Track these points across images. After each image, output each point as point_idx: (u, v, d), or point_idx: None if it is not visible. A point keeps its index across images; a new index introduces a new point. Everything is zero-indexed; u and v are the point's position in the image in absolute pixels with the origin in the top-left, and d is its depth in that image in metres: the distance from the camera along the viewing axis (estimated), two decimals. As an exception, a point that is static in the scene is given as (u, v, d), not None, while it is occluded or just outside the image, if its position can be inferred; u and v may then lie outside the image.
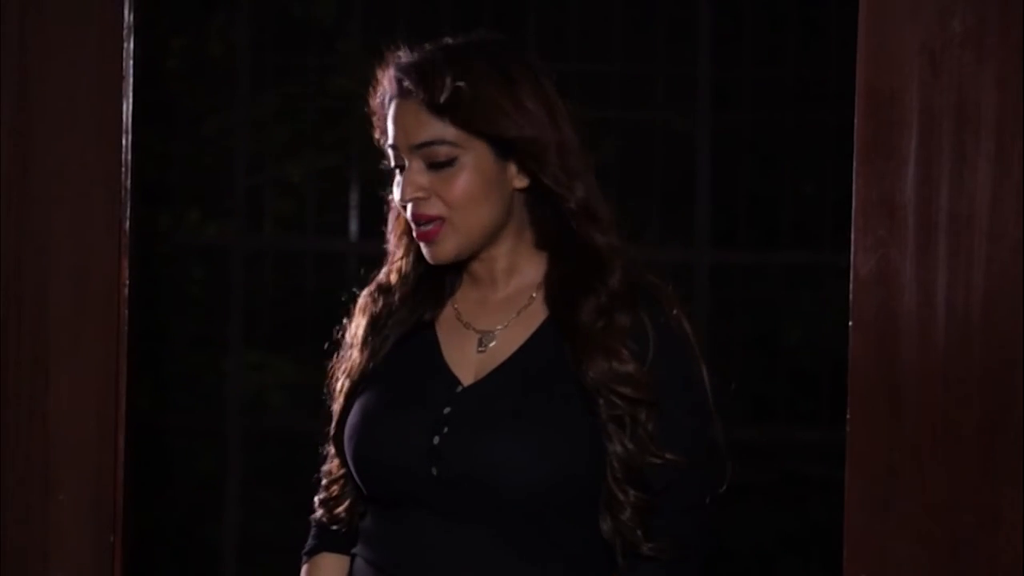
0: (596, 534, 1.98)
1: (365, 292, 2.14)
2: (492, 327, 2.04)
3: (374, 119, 2.08)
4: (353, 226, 5.11)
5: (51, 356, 2.47)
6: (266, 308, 5.25)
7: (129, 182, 2.49)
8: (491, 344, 2.03)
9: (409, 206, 2.01)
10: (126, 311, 2.49)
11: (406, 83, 1.99)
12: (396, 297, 2.10)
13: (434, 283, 2.09)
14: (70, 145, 2.48)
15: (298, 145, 5.24)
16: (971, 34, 2.36)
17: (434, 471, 1.95)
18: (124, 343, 2.48)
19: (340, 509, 2.11)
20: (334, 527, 2.12)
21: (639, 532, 1.96)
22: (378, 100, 2.06)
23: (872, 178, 2.38)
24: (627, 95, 5.06)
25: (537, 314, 2.03)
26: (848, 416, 2.39)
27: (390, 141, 2.02)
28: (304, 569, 2.16)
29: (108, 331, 2.48)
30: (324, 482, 2.14)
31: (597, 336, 1.96)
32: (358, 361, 2.09)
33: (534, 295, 2.04)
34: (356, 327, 2.12)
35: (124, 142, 2.49)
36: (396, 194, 2.04)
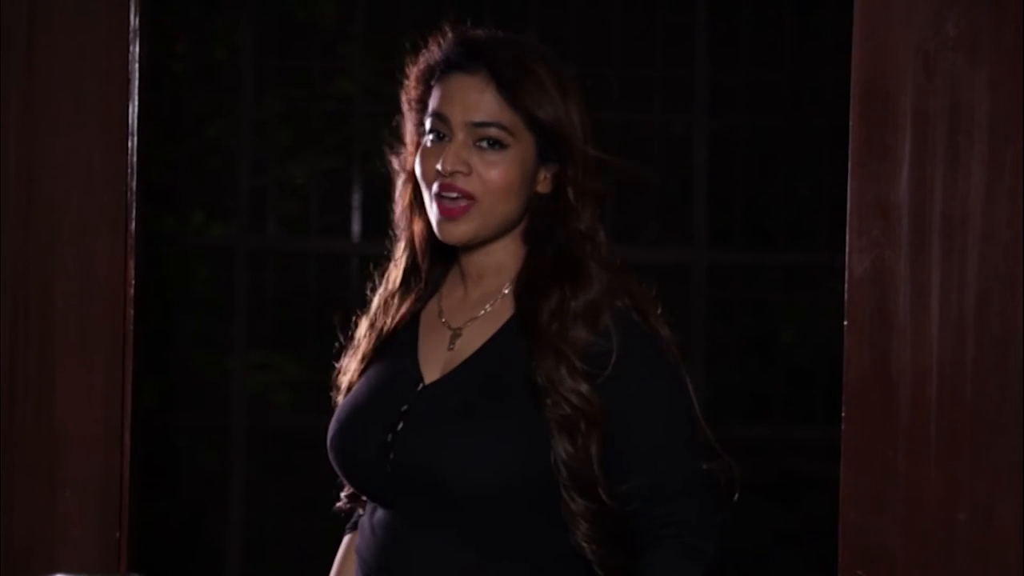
0: (560, 535, 1.97)
1: (374, 304, 2.15)
2: (463, 323, 2.06)
3: (410, 84, 2.06)
4: (355, 227, 5.13)
5: (58, 355, 2.49)
6: (269, 308, 5.26)
7: (135, 183, 2.50)
8: (459, 341, 2.04)
9: (439, 181, 1.99)
10: (132, 311, 2.50)
11: (476, 58, 2.00)
12: (393, 297, 2.12)
13: (422, 278, 2.11)
14: (76, 147, 2.49)
15: (301, 147, 5.25)
16: (964, 37, 2.38)
17: (388, 468, 1.97)
18: (130, 342, 2.49)
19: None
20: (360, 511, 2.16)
21: (592, 546, 1.95)
22: (424, 65, 2.05)
23: (867, 179, 2.40)
24: (625, 98, 5.07)
25: (504, 310, 2.04)
26: (843, 414, 2.41)
27: (437, 108, 2.01)
28: (345, 540, 2.23)
29: (114, 331, 2.49)
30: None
31: (552, 339, 1.95)
32: (354, 363, 2.12)
33: (505, 291, 2.05)
34: (360, 328, 2.14)
35: (129, 144, 2.50)
36: (419, 164, 2.02)
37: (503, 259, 2.06)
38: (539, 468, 1.94)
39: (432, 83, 2.04)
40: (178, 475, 5.14)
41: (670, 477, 1.97)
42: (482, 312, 2.05)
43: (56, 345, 2.49)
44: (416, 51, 2.07)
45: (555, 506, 1.96)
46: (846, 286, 2.40)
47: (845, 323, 2.41)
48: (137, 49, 2.50)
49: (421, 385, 2.02)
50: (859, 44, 2.40)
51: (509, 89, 1.98)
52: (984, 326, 2.38)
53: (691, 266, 5.14)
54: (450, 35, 2.05)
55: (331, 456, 2.06)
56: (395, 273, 2.13)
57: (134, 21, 2.49)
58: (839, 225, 2.46)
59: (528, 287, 2.02)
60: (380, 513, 2.03)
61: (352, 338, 2.16)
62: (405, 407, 2.00)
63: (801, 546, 4.96)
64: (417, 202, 2.08)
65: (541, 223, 2.05)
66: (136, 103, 2.49)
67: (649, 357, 1.99)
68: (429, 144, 2.02)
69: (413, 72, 2.06)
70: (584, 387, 1.94)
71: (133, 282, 2.49)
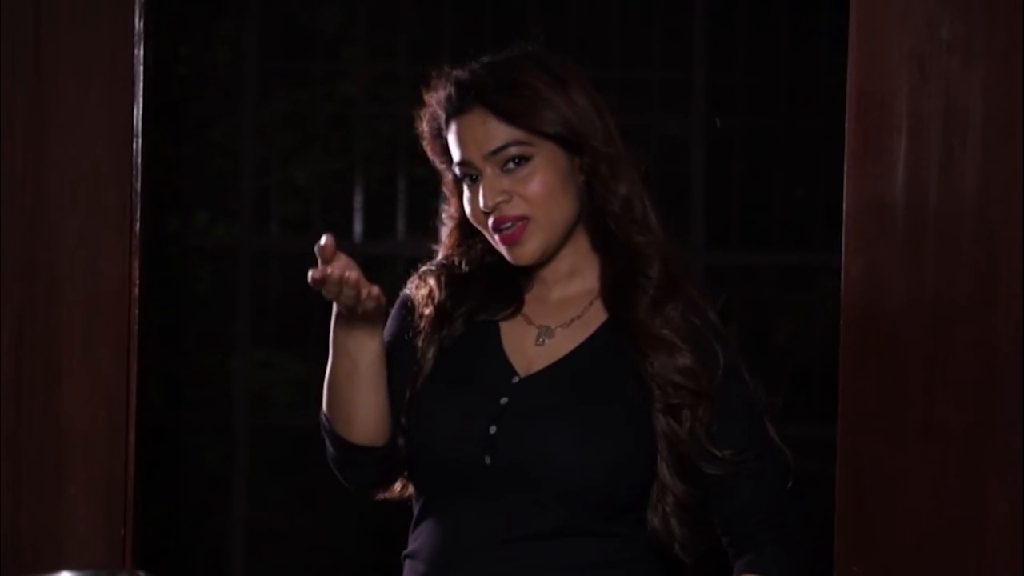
0: (640, 530, 2.02)
1: (435, 264, 2.14)
2: (551, 324, 2.07)
3: (426, 144, 2.09)
4: (357, 228, 5.14)
5: (63, 355, 2.50)
6: (272, 308, 5.27)
7: (139, 185, 2.51)
8: (549, 340, 2.06)
9: (491, 218, 2.03)
10: (136, 311, 2.51)
11: (467, 97, 2.02)
12: (464, 292, 2.11)
13: (504, 282, 2.11)
14: (81, 149, 2.50)
15: (304, 149, 5.26)
16: (958, 41, 2.40)
17: (487, 460, 1.98)
18: (135, 342, 2.51)
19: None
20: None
21: (674, 521, 2.01)
22: (431, 125, 2.08)
23: (862, 181, 2.41)
24: (624, 100, 5.08)
25: (596, 317, 2.07)
26: (839, 412, 2.43)
27: (459, 158, 2.04)
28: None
29: (119, 330, 2.50)
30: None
31: (656, 331, 2.00)
32: (425, 355, 2.09)
33: (593, 300, 2.08)
34: (436, 291, 2.11)
35: (134, 146, 2.51)
36: (468, 209, 2.05)
37: (575, 262, 2.09)
38: (631, 463, 1.99)
39: (444, 135, 2.07)
40: (182, 473, 5.15)
41: (757, 449, 2.03)
42: (573, 316, 2.07)
43: (62, 344, 2.50)
44: (419, 109, 2.09)
45: (638, 498, 2.01)
46: (842, 286, 2.42)
47: (841, 322, 2.43)
48: (141, 52, 2.51)
49: (517, 378, 2.04)
50: (855, 47, 2.42)
51: (505, 113, 2.01)
52: (978, 326, 2.39)
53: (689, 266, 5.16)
54: (439, 86, 2.07)
55: (414, 441, 2.04)
56: (461, 269, 2.12)
57: (138, 24, 2.51)
58: (835, 226, 2.47)
59: (616, 290, 2.05)
60: (455, 507, 2.02)
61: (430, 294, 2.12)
62: (504, 400, 2.01)
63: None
64: (465, 237, 2.12)
65: (602, 219, 2.07)
66: (140, 105, 2.51)
67: (729, 359, 2.05)
68: (467, 190, 2.06)
69: (424, 131, 2.10)
70: (689, 359, 1.99)
71: (138, 282, 2.51)
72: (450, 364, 2.07)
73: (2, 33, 2.49)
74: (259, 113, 5.22)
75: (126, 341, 2.51)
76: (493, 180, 2.02)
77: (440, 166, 2.11)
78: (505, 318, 2.10)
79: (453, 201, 2.12)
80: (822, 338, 4.95)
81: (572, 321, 2.07)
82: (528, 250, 2.03)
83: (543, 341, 2.07)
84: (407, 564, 2.08)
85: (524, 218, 2.02)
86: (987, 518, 2.38)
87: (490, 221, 2.03)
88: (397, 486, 2.14)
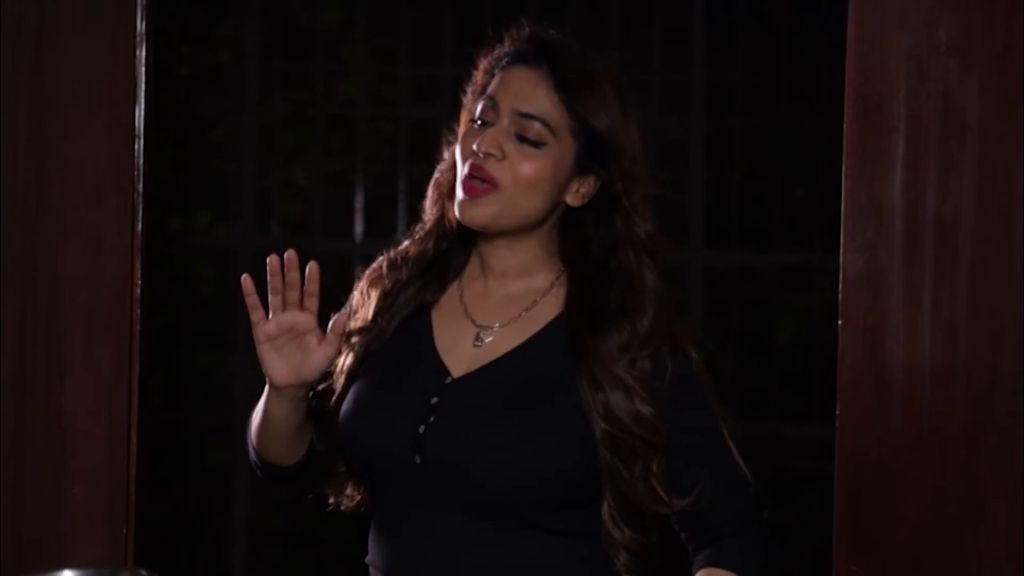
0: (582, 531, 2.00)
1: (377, 263, 2.14)
2: (491, 323, 2.05)
3: (477, 74, 2.08)
4: (358, 228, 5.15)
5: (66, 354, 2.51)
6: (273, 308, 5.28)
7: (141, 185, 2.52)
8: (488, 340, 2.04)
9: (472, 161, 2.00)
10: (138, 310, 2.52)
11: (542, 55, 2.02)
12: (406, 275, 2.10)
13: (443, 265, 2.10)
14: (84, 149, 2.51)
15: (305, 149, 5.27)
16: (956, 42, 2.40)
17: (417, 459, 1.97)
18: (136, 341, 2.52)
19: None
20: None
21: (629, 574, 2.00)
22: (491, 60, 2.07)
23: (861, 181, 2.42)
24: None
25: (540, 318, 2.04)
26: (837, 412, 2.44)
27: (491, 92, 2.03)
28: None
29: (121, 330, 2.51)
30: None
31: (617, 370, 1.96)
32: (359, 341, 2.09)
33: (539, 299, 2.05)
34: (366, 298, 2.11)
35: (136, 146, 2.52)
36: (460, 146, 2.03)
37: (527, 262, 2.07)
38: (569, 465, 1.96)
39: (495, 72, 2.06)
40: (183, 472, 5.17)
41: (716, 468, 2.01)
42: (514, 315, 2.05)
43: (64, 344, 2.51)
44: (490, 46, 2.09)
45: (580, 499, 1.98)
46: (840, 286, 2.42)
47: (839, 323, 2.43)
48: (143, 53, 2.52)
49: (449, 378, 2.02)
50: (853, 48, 2.42)
51: (565, 90, 2.00)
52: (976, 325, 2.40)
53: (688, 266, 5.17)
54: (525, 31, 2.07)
55: (345, 443, 2.04)
56: (413, 250, 2.12)
57: (140, 26, 2.52)
58: (834, 226, 2.48)
59: (586, 311, 2.02)
60: (397, 511, 2.02)
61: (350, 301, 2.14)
62: (435, 399, 2.00)
63: (796, 541, 4.98)
64: (448, 191, 2.09)
65: (579, 238, 2.05)
66: (143, 106, 2.52)
67: (699, 389, 2.02)
68: (475, 126, 2.04)
69: (482, 64, 2.09)
70: (648, 410, 1.96)
71: (140, 282, 2.52)
72: (382, 366, 2.06)
73: (4, 35, 2.50)
74: (260, 114, 5.24)
75: (128, 341, 2.52)
76: (501, 133, 2.00)
77: (466, 102, 2.08)
78: (438, 307, 2.08)
79: (452, 151, 2.10)
80: (821, 338, 4.95)
81: (512, 320, 2.05)
82: (478, 213, 2.00)
83: (481, 341, 2.05)
84: (371, 571, 2.08)
85: (496, 184, 1.99)
86: (987, 518, 2.39)
87: (467, 165, 2.01)
88: (336, 500, 2.16)
